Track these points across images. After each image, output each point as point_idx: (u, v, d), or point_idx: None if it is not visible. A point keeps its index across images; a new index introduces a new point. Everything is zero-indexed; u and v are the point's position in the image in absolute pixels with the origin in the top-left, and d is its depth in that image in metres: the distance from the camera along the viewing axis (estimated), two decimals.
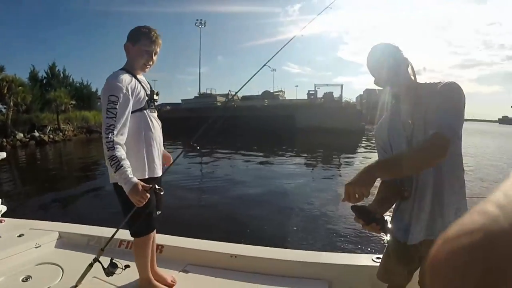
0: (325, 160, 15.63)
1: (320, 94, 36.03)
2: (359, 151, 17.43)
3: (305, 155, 16.49)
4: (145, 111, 1.70)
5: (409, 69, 1.41)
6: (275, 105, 34.27)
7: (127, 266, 1.74)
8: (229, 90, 32.79)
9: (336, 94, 35.73)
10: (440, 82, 1.36)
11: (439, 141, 1.22)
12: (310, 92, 37.06)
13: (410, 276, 1.78)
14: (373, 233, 1.24)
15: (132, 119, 1.63)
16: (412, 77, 1.42)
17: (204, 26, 50.73)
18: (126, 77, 1.61)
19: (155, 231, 1.86)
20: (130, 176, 1.52)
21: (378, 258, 1.97)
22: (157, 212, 1.85)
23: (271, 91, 44.78)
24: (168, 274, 1.94)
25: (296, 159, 14.84)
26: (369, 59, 1.41)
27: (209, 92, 42.05)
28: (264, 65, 1.96)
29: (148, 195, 1.55)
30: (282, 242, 4.71)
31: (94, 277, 1.80)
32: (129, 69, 1.70)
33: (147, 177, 1.69)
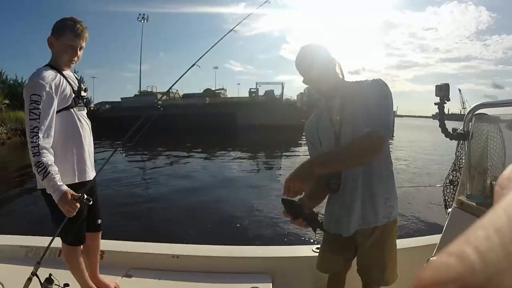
0: (267, 157, 16.00)
1: (261, 92, 36.67)
2: (299, 146, 18.05)
3: (247, 152, 16.71)
4: (72, 110, 1.59)
5: (337, 69, 1.47)
6: (216, 103, 34.12)
7: (66, 285, 1.65)
8: (171, 88, 32.75)
9: (277, 92, 36.63)
10: (366, 80, 1.46)
11: (375, 139, 1.30)
12: (252, 90, 37.60)
13: (348, 264, 1.89)
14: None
15: (58, 119, 1.51)
16: (340, 76, 1.49)
17: (146, 21, 48.71)
18: (49, 74, 1.50)
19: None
20: (59, 183, 1.42)
21: (317, 248, 2.06)
22: (98, 220, 1.78)
23: (213, 88, 44.45)
24: (111, 280, 1.86)
25: (238, 157, 14.97)
26: (298, 60, 1.45)
27: (150, 90, 40.49)
28: (194, 64, 1.88)
29: (78, 205, 1.45)
30: (225, 240, 4.72)
31: None
32: (54, 64, 1.59)
33: (77, 181, 1.59)
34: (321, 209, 1.65)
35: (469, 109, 1.41)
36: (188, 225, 5.64)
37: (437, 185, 1.71)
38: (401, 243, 2.19)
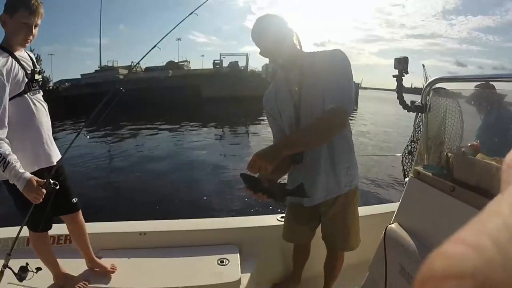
0: (232, 128, 15.98)
1: (226, 64, 36.17)
2: (264, 117, 18.22)
3: (213, 124, 16.61)
4: (26, 95, 1.51)
5: (295, 40, 1.45)
6: (180, 75, 33.22)
7: (38, 269, 1.59)
8: (132, 62, 31.01)
9: (242, 64, 36.23)
10: (324, 51, 1.45)
11: (340, 115, 1.32)
12: (216, 61, 37.04)
13: (312, 232, 1.96)
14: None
15: (11, 106, 1.43)
16: (298, 47, 1.47)
17: None
18: (0, 59, 1.41)
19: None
20: (21, 171, 1.37)
21: (282, 217, 2.12)
22: (73, 199, 1.74)
23: (176, 61, 42.95)
24: (107, 262, 1.84)
25: (203, 129, 14.86)
26: (253, 31, 1.41)
27: (110, 64, 38.44)
28: (155, 45, 1.78)
29: (44, 191, 1.41)
30: (192, 213, 4.74)
31: (9, 283, 1.60)
32: (6, 46, 1.49)
33: (36, 169, 1.52)
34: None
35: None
36: (155, 201, 5.60)
37: (397, 154, 1.79)
38: (362, 211, 2.30)
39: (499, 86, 1.33)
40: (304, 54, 1.49)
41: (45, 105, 1.63)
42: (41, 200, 1.41)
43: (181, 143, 11.67)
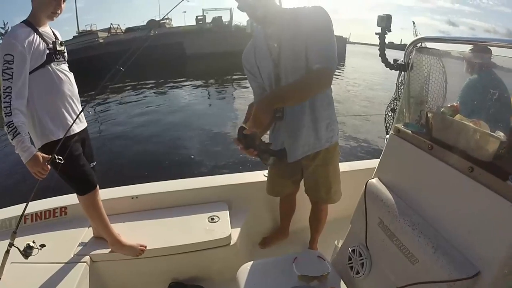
0: (218, 85, 15.74)
1: (209, 19, 34.70)
2: None
3: (198, 82, 16.29)
4: (48, 66, 1.56)
5: None
6: (162, 34, 31.83)
7: (43, 245, 1.65)
8: (111, 24, 30.13)
9: (226, 19, 34.81)
10: (305, 7, 1.42)
11: (327, 74, 1.34)
12: (199, 17, 35.45)
13: (296, 186, 2.04)
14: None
15: (35, 78, 1.51)
16: (277, 2, 1.44)
17: None
18: (22, 32, 1.47)
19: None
20: (28, 145, 1.43)
21: (268, 173, 2.17)
22: (91, 163, 1.83)
23: (157, 19, 40.92)
24: (135, 242, 1.87)
25: (188, 88, 14.61)
26: None
27: (89, 29, 36.37)
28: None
29: (49, 167, 1.47)
30: (181, 173, 4.81)
31: (13, 262, 1.64)
32: (32, 20, 1.54)
33: (61, 137, 1.56)
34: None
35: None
36: (145, 164, 5.63)
37: (383, 114, 1.83)
38: (345, 166, 2.38)
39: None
40: (284, 10, 1.46)
41: (70, 75, 1.69)
42: (45, 175, 1.46)
43: (166, 103, 11.51)
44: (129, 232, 1.94)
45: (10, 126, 1.40)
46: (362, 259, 1.42)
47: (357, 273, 1.44)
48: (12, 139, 1.40)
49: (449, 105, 1.24)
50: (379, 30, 1.66)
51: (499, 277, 0.92)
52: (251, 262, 1.54)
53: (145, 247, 1.86)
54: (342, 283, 1.45)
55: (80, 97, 1.74)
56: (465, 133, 1.08)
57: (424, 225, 1.13)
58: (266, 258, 1.59)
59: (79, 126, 1.73)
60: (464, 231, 1.02)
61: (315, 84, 1.35)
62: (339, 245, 1.72)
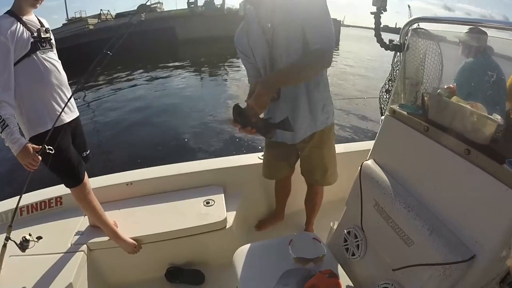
0: (212, 69, 15.60)
1: (201, 3, 34.13)
2: None
3: (190, 67, 16.10)
4: (34, 55, 1.51)
5: None
6: (153, 18, 31.20)
7: (39, 237, 1.66)
8: (101, 10, 29.36)
9: (218, 2, 34.25)
10: None
11: (325, 55, 1.33)
12: (190, 1, 34.85)
13: (291, 168, 2.04)
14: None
15: (21, 68, 1.47)
16: None
17: None
18: (5, 23, 1.43)
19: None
20: (18, 136, 1.40)
21: (263, 155, 2.17)
22: (84, 152, 1.82)
23: (148, 3, 39.97)
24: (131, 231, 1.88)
25: (181, 73, 14.45)
26: None
27: (78, 16, 35.52)
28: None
29: (40, 158, 1.44)
30: (175, 158, 4.78)
31: (11, 256, 1.64)
32: (15, 10, 1.50)
33: (50, 127, 1.52)
34: None
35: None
36: (138, 149, 5.59)
37: (377, 97, 1.82)
38: (340, 148, 2.38)
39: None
40: None
41: (58, 64, 1.64)
42: (36, 166, 1.44)
43: (159, 88, 11.40)
44: (124, 219, 1.94)
45: None
46: (358, 241, 1.43)
47: (353, 254, 1.46)
48: (1, 132, 1.38)
49: (445, 86, 1.22)
50: (374, 10, 1.63)
51: (494, 261, 0.93)
52: (247, 245, 1.55)
53: (140, 247, 1.88)
54: (338, 264, 1.46)
55: (71, 86, 1.70)
56: (462, 115, 1.08)
57: (419, 207, 1.14)
58: (262, 241, 1.60)
59: (69, 115, 1.69)
60: (459, 214, 1.03)
61: (315, 64, 1.35)
62: (335, 227, 1.73)
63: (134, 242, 1.85)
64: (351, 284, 1.39)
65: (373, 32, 1.72)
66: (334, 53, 1.41)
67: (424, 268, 1.05)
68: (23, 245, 1.59)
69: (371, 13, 1.63)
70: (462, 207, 1.02)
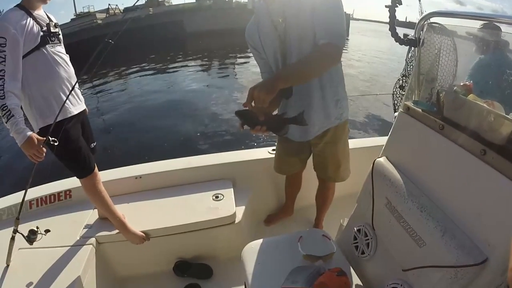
0: (220, 62, 15.60)
1: None
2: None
3: (199, 60, 16.11)
4: (43, 49, 1.54)
5: None
6: (161, 12, 31.19)
7: (47, 230, 1.67)
8: (109, 4, 29.71)
9: None
10: None
11: (333, 51, 1.29)
12: None
13: (303, 164, 2.02)
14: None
15: (30, 61, 1.50)
16: None
17: None
18: (15, 15, 1.46)
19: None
20: (23, 127, 1.42)
21: (273, 150, 2.16)
22: (92, 144, 1.85)
23: None
24: (140, 224, 1.90)
25: (189, 66, 14.46)
26: None
27: (86, 11, 35.68)
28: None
29: (45, 150, 1.47)
30: (185, 151, 4.80)
31: (20, 248, 1.66)
32: (26, 4, 1.52)
33: (59, 119, 1.56)
34: None
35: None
36: (148, 143, 5.61)
37: (390, 94, 1.78)
38: (352, 144, 2.36)
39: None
40: None
41: (66, 57, 1.67)
42: (42, 158, 1.46)
43: (167, 82, 11.44)
44: (133, 213, 1.95)
45: (4, 109, 1.39)
46: (368, 239, 1.41)
47: (362, 253, 1.44)
48: (6, 122, 1.40)
49: (461, 83, 1.18)
50: (382, 4, 1.59)
51: (506, 265, 0.90)
52: (256, 241, 1.54)
53: (148, 239, 1.89)
54: (347, 262, 1.45)
55: (79, 80, 1.72)
56: (479, 114, 1.04)
57: (432, 208, 1.11)
58: (271, 237, 1.59)
59: (77, 108, 1.71)
60: (473, 215, 1.00)
61: (321, 62, 1.31)
62: (344, 224, 1.71)
63: (143, 234, 1.86)
64: (359, 282, 1.38)
65: (383, 25, 1.67)
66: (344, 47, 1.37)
67: (435, 270, 1.02)
68: (30, 237, 1.62)
69: (386, 6, 1.59)
70: (476, 209, 0.99)
